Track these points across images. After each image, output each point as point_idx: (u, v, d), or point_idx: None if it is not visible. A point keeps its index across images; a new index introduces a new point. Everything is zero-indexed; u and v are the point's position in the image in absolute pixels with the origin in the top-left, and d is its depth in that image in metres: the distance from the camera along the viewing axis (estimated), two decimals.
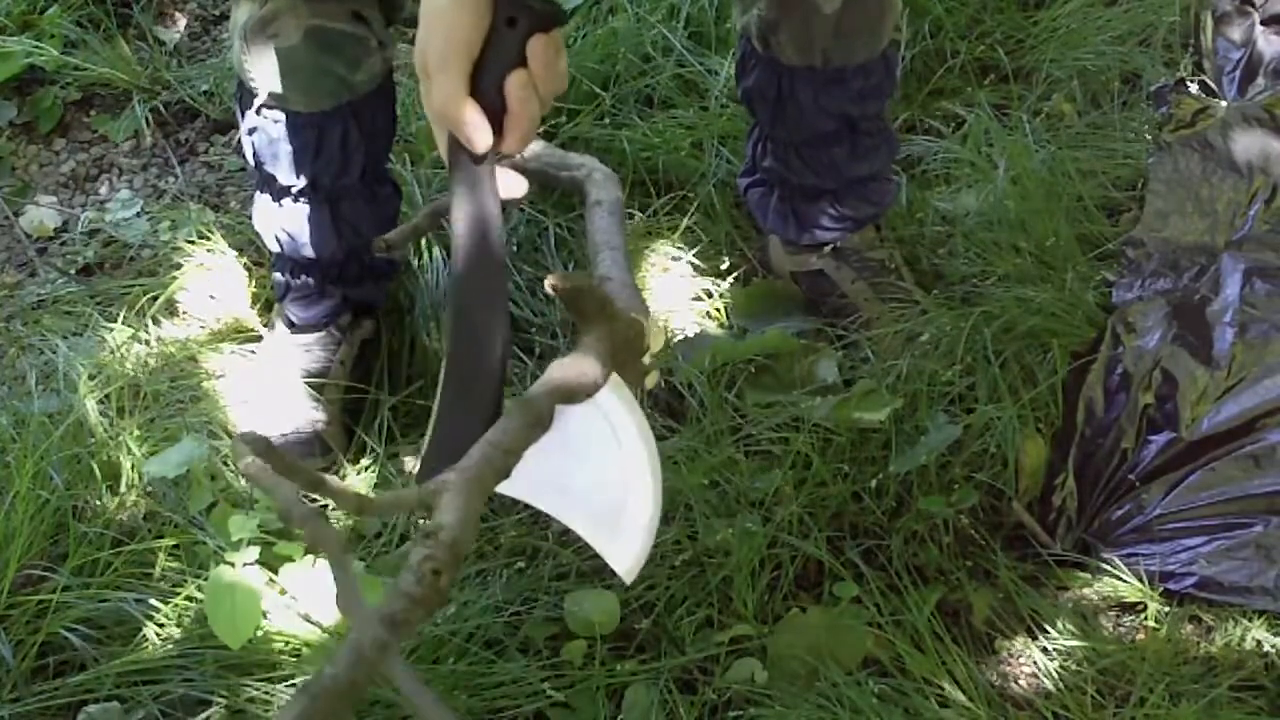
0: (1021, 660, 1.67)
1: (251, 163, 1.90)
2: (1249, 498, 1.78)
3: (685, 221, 2.16)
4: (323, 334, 1.96)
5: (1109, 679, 1.63)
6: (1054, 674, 1.64)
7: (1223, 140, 2.15)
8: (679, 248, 2.13)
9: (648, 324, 1.43)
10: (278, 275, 1.97)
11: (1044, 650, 1.67)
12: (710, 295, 2.08)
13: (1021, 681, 1.65)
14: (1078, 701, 1.61)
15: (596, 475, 1.16)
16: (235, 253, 2.16)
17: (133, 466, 1.80)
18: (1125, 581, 1.72)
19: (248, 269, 2.14)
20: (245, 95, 1.85)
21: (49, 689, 1.61)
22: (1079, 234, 2.07)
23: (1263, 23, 2.39)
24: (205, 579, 1.64)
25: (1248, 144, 2.15)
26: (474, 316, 1.13)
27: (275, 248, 1.93)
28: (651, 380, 1.31)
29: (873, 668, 1.64)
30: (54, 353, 1.98)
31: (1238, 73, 2.33)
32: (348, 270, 1.94)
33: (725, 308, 2.06)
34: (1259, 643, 1.66)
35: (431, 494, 0.87)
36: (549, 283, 1.30)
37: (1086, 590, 1.73)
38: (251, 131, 1.85)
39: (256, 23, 1.75)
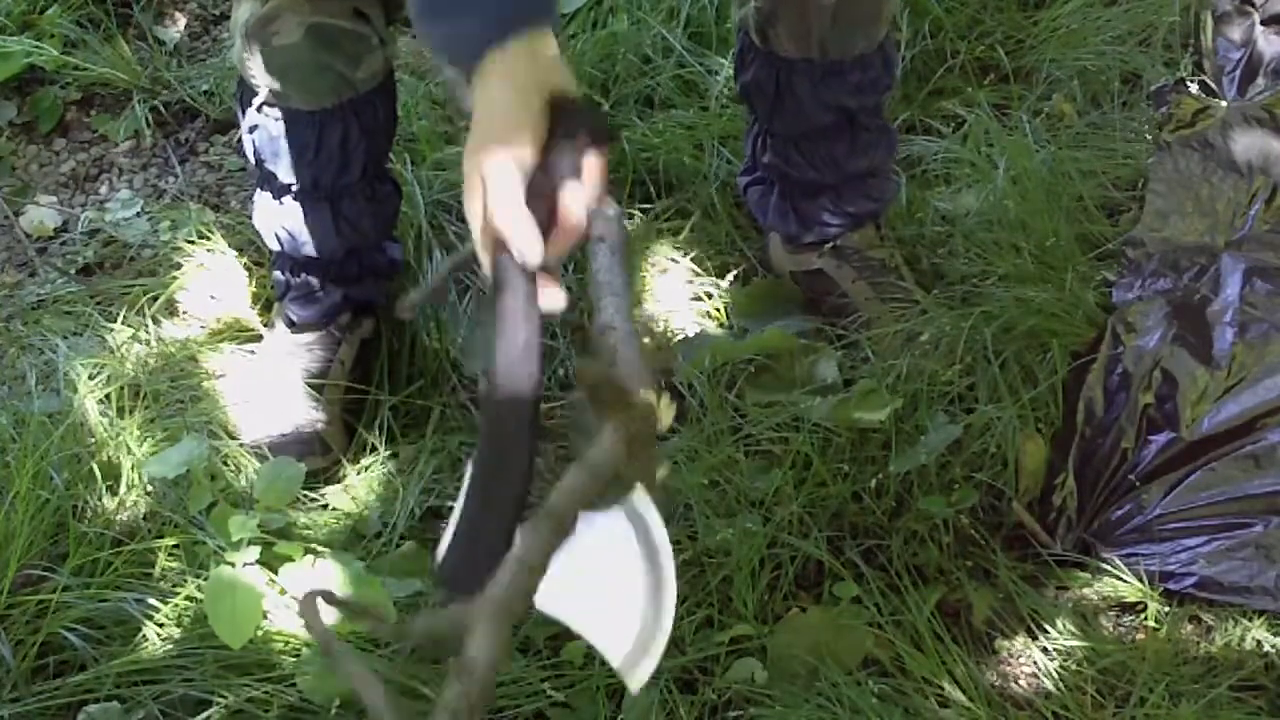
0: (1021, 660, 1.67)
1: (252, 161, 1.90)
2: (1249, 498, 1.78)
3: (686, 222, 2.16)
4: (323, 333, 1.96)
5: (1109, 679, 1.63)
6: (1054, 674, 1.64)
7: (1223, 140, 2.15)
8: (679, 248, 2.13)
9: (658, 401, 1.47)
10: (278, 274, 1.97)
11: (1044, 650, 1.66)
12: (710, 296, 2.08)
13: (1021, 681, 1.65)
14: (1078, 701, 1.61)
15: (611, 580, 1.15)
16: (235, 253, 2.16)
17: (133, 466, 1.80)
18: (1125, 581, 1.72)
19: (248, 269, 2.14)
20: (246, 93, 1.85)
21: (49, 689, 1.61)
22: (1079, 234, 2.07)
23: (1263, 23, 2.39)
24: (205, 579, 1.64)
25: (1248, 144, 2.14)
26: (505, 433, 1.11)
27: (275, 246, 1.93)
28: (663, 470, 1.31)
29: (873, 668, 1.64)
30: (54, 353, 1.97)
31: (1238, 73, 2.33)
32: (348, 269, 1.94)
33: (725, 308, 2.06)
34: (1259, 643, 1.66)
35: (464, 622, 0.88)
36: (576, 374, 1.32)
37: (1086, 590, 1.73)
38: (252, 129, 1.85)
39: (258, 20, 1.75)
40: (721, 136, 2.24)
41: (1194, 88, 2.30)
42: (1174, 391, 1.86)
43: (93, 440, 1.83)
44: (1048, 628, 1.68)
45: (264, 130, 1.83)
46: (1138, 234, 2.05)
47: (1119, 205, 2.16)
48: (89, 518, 1.75)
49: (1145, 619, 1.69)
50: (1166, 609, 1.70)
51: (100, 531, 1.72)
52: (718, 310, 2.06)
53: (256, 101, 1.82)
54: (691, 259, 2.12)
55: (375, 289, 1.99)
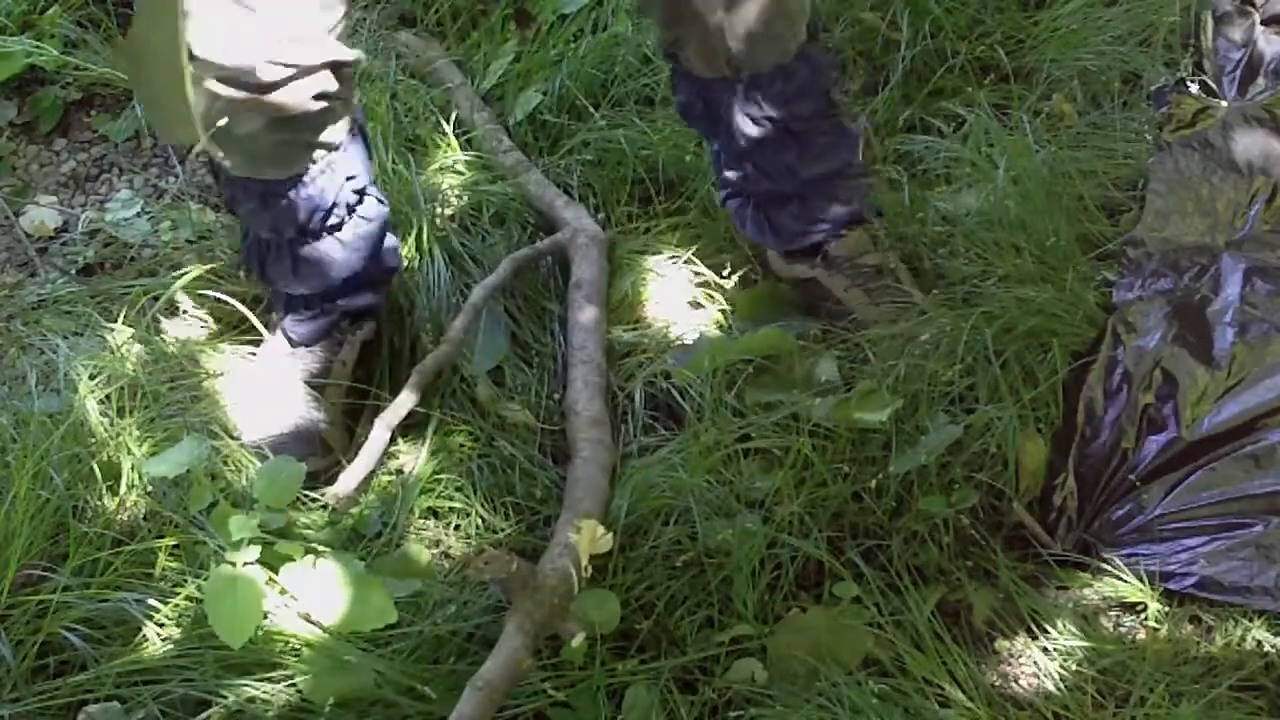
0: (1021, 660, 1.67)
1: (234, 216, 1.87)
2: (1249, 498, 1.77)
3: (685, 219, 2.17)
4: (324, 339, 1.96)
5: (1109, 679, 1.63)
6: (1054, 674, 1.64)
7: (1223, 140, 2.15)
8: (678, 246, 2.14)
9: (593, 527, 1.64)
10: (276, 297, 1.96)
11: (1044, 650, 1.66)
12: (712, 298, 2.08)
13: (1021, 681, 1.65)
14: (1078, 701, 1.61)
15: None
16: (235, 253, 2.16)
17: (133, 466, 1.80)
18: (1125, 581, 1.72)
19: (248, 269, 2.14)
20: (217, 166, 1.82)
21: (49, 689, 1.61)
22: (1079, 234, 2.07)
23: (1263, 23, 2.39)
24: (205, 579, 1.64)
25: (1248, 144, 2.14)
26: None
27: (270, 284, 1.93)
28: (579, 639, 1.58)
29: (873, 668, 1.64)
30: (54, 353, 1.98)
31: (1238, 73, 2.33)
32: (344, 287, 1.93)
33: (726, 310, 2.06)
34: (1259, 643, 1.66)
35: None
36: (473, 570, 1.55)
37: (1086, 590, 1.73)
38: (233, 198, 1.84)
39: (215, 114, 1.67)
40: None
41: (1194, 88, 2.30)
42: (1174, 391, 1.86)
43: (93, 440, 1.83)
44: (1048, 628, 1.68)
45: (244, 198, 1.81)
46: (1138, 234, 2.05)
47: (1119, 205, 2.16)
48: (89, 518, 1.75)
49: (1145, 619, 1.69)
50: (1166, 609, 1.70)
51: (100, 531, 1.72)
52: (720, 312, 2.06)
53: (230, 175, 1.80)
54: (691, 258, 2.12)
55: (373, 296, 1.99)
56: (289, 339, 1.97)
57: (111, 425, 1.85)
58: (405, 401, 1.87)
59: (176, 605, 1.67)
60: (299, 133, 1.74)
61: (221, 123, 1.62)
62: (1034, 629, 1.68)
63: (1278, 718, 1.59)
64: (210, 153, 1.81)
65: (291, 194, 1.79)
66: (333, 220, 1.84)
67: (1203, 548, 1.74)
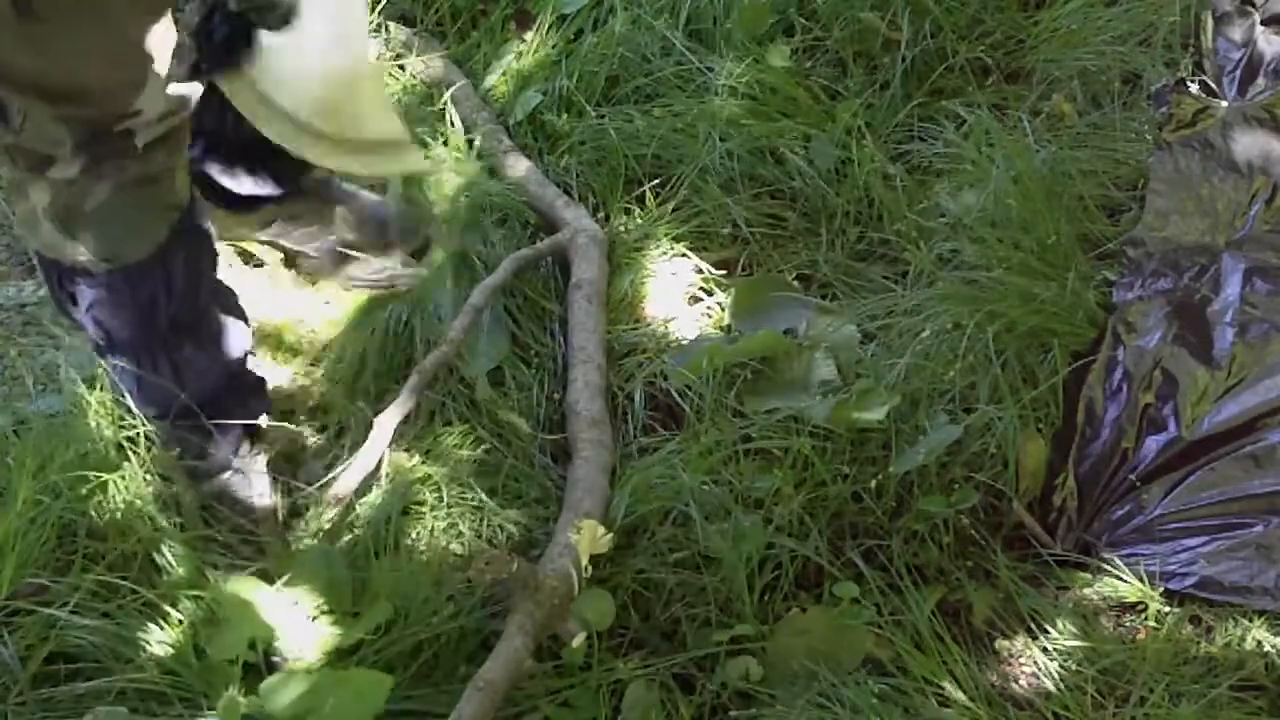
0: (1021, 660, 1.67)
1: (102, 340, 1.69)
2: (1249, 498, 1.78)
3: (680, 212, 2.17)
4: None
5: (1109, 679, 1.63)
6: (1054, 674, 1.64)
7: (1223, 140, 2.15)
8: (676, 242, 2.14)
9: (593, 527, 1.65)
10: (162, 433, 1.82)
11: (1044, 650, 1.66)
12: (710, 292, 2.08)
13: (1021, 681, 1.65)
14: (1078, 701, 1.61)
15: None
16: (233, 250, 2.16)
17: (134, 467, 1.80)
18: (1125, 581, 1.72)
19: (246, 267, 2.14)
20: (69, 276, 1.63)
21: (56, 694, 1.61)
22: (1080, 233, 2.07)
23: (1263, 23, 2.39)
24: (208, 583, 1.64)
25: (1248, 144, 2.14)
26: None
27: (151, 408, 1.78)
28: (580, 638, 1.59)
29: (873, 668, 1.64)
30: (54, 353, 1.97)
31: (1238, 73, 2.33)
32: (233, 389, 1.82)
33: (724, 304, 2.06)
34: (1259, 643, 1.66)
35: None
36: (473, 570, 1.56)
37: (1086, 590, 1.73)
38: (92, 307, 1.66)
39: (64, 198, 1.56)
40: (721, 132, 2.24)
41: (1194, 88, 2.30)
42: (1174, 391, 1.86)
43: (93, 441, 1.82)
44: (1048, 628, 1.68)
45: (106, 302, 1.65)
46: (1138, 234, 2.05)
47: (1119, 205, 2.16)
48: (91, 519, 1.75)
49: (1145, 619, 1.69)
50: (1166, 609, 1.70)
51: (102, 533, 1.72)
52: (718, 305, 2.06)
53: (89, 278, 1.62)
54: (688, 253, 2.12)
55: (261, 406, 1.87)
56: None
57: (112, 425, 1.85)
58: (405, 401, 1.87)
59: (180, 609, 1.66)
60: (156, 189, 1.60)
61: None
62: (1034, 629, 1.68)
63: (1278, 718, 1.59)
64: (60, 257, 1.61)
65: (158, 274, 1.64)
66: (204, 298, 1.72)
67: (1203, 548, 1.74)
